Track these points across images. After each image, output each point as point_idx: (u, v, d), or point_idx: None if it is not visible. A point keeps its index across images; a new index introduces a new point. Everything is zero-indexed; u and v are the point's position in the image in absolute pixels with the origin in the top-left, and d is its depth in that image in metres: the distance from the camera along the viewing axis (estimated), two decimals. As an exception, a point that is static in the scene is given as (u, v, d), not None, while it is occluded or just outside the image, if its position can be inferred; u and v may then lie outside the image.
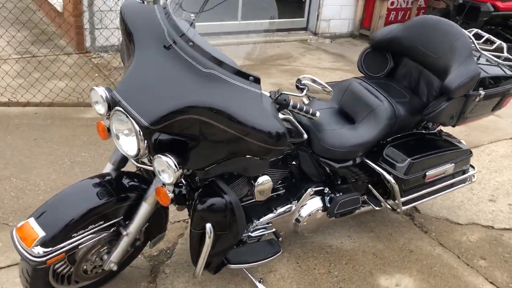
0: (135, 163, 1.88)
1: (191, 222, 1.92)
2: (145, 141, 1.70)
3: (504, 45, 2.63)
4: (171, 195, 1.80)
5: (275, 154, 1.74)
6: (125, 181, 2.00)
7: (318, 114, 1.87)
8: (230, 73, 1.70)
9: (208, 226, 1.87)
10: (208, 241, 1.89)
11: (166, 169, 1.69)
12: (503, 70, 2.55)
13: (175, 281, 2.34)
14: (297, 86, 1.77)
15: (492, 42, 2.65)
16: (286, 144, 1.70)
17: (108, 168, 2.08)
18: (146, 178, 2.08)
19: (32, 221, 1.79)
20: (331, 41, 7.20)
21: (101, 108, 1.90)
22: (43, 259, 1.75)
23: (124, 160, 2.09)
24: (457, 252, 2.72)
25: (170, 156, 1.67)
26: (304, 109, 1.85)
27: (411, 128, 2.56)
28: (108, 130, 1.99)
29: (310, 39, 7.11)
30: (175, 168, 1.66)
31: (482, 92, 2.39)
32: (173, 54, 1.78)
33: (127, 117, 1.70)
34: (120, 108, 1.72)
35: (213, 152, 1.77)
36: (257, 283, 2.29)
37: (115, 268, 2.06)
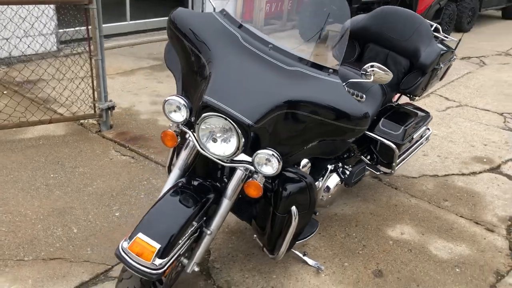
0: (222, 162, 1.96)
1: (275, 207, 2.08)
2: (243, 140, 1.82)
3: (439, 26, 3.26)
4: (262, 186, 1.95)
5: (359, 133, 2.02)
6: (197, 183, 2.07)
7: (364, 97, 2.18)
8: (311, 68, 1.92)
9: (293, 208, 2.07)
10: (294, 223, 2.09)
11: (268, 162, 1.85)
12: (443, 46, 3.17)
13: (231, 272, 2.46)
14: (362, 74, 2.06)
15: (431, 25, 3.25)
16: (369, 123, 1.99)
17: (175, 174, 2.11)
18: (207, 177, 2.16)
19: (142, 236, 1.78)
20: (219, 35, 7.47)
21: (179, 117, 1.95)
22: (162, 270, 1.78)
23: (189, 166, 2.14)
24: (427, 199, 3.31)
25: (272, 150, 1.83)
26: (355, 93, 2.15)
27: (387, 102, 3.03)
28: (177, 136, 2.03)
29: (198, 35, 7.28)
30: (280, 159, 1.83)
31: (442, 65, 2.96)
32: (254, 57, 1.92)
33: (225, 119, 1.80)
34: (211, 113, 1.80)
35: (303, 140, 1.97)
36: (303, 257, 2.54)
37: (197, 269, 2.12)
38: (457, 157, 3.98)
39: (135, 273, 1.77)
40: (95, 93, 3.74)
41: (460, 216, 3.15)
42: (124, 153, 3.57)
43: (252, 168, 1.90)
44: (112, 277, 2.38)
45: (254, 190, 1.93)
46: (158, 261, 1.77)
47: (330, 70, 1.94)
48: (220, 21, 2.03)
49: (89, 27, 3.48)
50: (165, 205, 1.92)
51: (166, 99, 1.93)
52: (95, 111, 3.81)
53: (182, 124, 1.98)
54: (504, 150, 4.19)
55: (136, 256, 1.76)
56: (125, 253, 1.78)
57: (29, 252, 2.49)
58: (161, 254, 1.78)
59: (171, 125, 2.01)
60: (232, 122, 1.79)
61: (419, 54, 2.81)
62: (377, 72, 2.02)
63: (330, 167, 2.64)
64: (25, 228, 2.66)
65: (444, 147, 4.15)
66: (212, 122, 1.85)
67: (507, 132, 4.60)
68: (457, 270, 2.63)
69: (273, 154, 1.82)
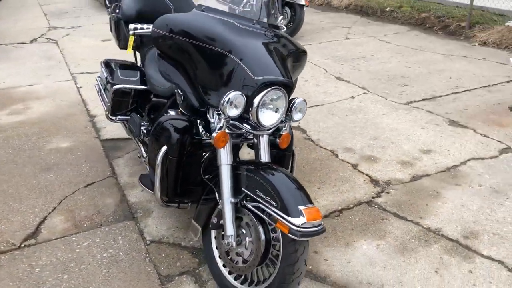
0: (267, 132, 2.13)
1: (287, 148, 2.36)
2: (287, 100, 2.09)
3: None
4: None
5: None
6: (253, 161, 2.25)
7: None
8: (279, 30, 2.27)
9: (293, 142, 2.44)
10: (296, 154, 2.51)
11: (300, 109, 2.20)
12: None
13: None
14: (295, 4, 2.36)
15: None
16: None
17: (227, 169, 2.14)
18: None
19: (302, 206, 1.92)
20: None
21: (237, 109, 2.01)
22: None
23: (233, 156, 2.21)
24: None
25: (300, 98, 2.19)
26: None
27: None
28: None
29: None
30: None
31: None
32: (253, 33, 2.17)
33: (276, 89, 2.02)
34: (271, 88, 2.00)
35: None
36: None
37: None
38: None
39: (318, 234, 1.92)
40: None
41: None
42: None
43: (281, 124, 2.20)
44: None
45: (287, 139, 2.27)
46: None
47: (281, 27, 2.33)
48: (211, 15, 2.21)
49: None
50: (279, 178, 2.04)
51: (228, 97, 1.96)
52: None
53: (232, 119, 2.07)
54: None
55: (314, 221, 1.91)
56: (304, 227, 1.88)
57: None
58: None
59: (221, 125, 2.09)
60: (282, 89, 2.04)
61: None
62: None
63: None
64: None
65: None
66: (271, 97, 2.02)
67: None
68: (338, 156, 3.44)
69: (303, 101, 2.20)
